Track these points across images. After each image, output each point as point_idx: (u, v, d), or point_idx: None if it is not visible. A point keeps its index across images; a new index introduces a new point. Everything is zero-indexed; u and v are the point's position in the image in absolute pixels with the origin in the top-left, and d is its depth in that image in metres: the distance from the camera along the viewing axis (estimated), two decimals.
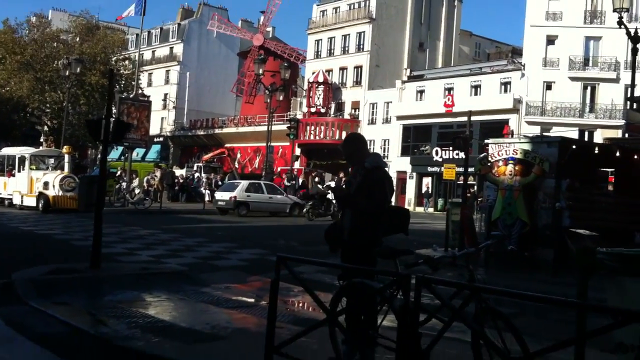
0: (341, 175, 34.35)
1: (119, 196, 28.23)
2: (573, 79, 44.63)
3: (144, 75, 66.71)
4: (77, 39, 54.48)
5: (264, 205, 28.10)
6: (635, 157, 16.21)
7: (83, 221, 18.91)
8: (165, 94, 74.34)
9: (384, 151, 53.25)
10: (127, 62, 55.68)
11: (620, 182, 16.73)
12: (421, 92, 51.55)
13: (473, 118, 46.16)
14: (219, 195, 28.56)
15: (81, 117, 50.63)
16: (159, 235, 17.24)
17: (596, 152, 15.23)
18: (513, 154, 14.65)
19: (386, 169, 5.94)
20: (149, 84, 75.05)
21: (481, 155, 15.43)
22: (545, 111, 44.72)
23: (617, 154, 15.47)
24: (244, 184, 28.42)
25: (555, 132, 34.78)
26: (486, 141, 15.95)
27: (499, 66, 49.45)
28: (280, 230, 21.69)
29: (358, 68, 56.66)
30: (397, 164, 50.94)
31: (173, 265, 11.61)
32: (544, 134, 22.12)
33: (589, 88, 44.79)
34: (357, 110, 55.98)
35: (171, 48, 76.03)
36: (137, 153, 52.27)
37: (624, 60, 44.09)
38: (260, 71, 34.19)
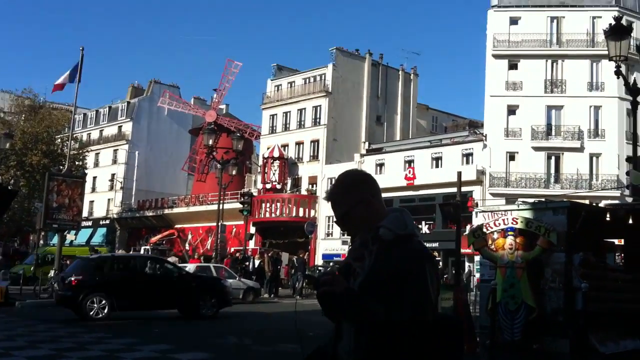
0: (301, 254, 31.23)
1: (45, 286, 24.57)
2: (536, 148, 43.22)
3: (90, 156, 63.62)
4: (19, 118, 51.40)
5: None
6: None
7: None
8: (113, 174, 70.97)
9: None
10: (72, 141, 52.50)
11: (631, 254, 14.28)
12: (381, 165, 49.57)
13: (435, 191, 44.90)
14: None
15: (23, 201, 47.05)
16: (81, 337, 13.84)
17: (607, 219, 12.79)
18: (513, 223, 12.10)
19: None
20: (96, 164, 71.90)
21: (474, 226, 12.86)
22: (510, 182, 42.97)
23: (630, 221, 13.07)
24: (190, 267, 25.18)
25: (489, 208, 32.83)
26: (476, 209, 13.41)
27: (459, 137, 47.99)
28: (231, 321, 18.48)
29: (315, 142, 54.60)
30: None
31: None
32: (548, 199, 20.01)
33: (553, 158, 43.35)
34: (314, 185, 53.59)
35: (119, 127, 73.13)
36: (76, 237, 48.53)
37: (587, 129, 43.06)
38: (210, 142, 31.61)
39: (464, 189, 42.31)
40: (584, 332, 11.26)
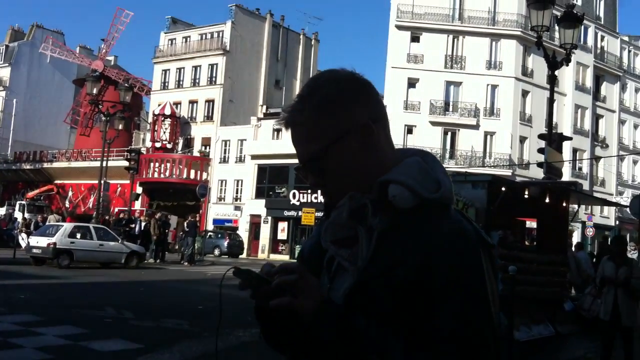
0: (190, 217, 29.35)
1: None
2: (434, 123, 43.32)
3: None
4: None
5: (93, 254, 22.71)
6: (564, 204, 13.34)
7: None
8: None
9: (237, 192, 49.13)
10: None
11: (544, 235, 13.74)
12: (278, 130, 48.01)
13: None
14: (33, 240, 22.74)
15: None
16: None
17: (525, 196, 12.08)
18: None
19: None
20: None
21: None
22: None
23: (547, 199, 12.45)
24: (66, 227, 22.88)
25: None
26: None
27: None
28: (111, 289, 16.68)
29: (210, 102, 52.35)
30: (251, 206, 47.01)
31: None
32: (467, 171, 19.64)
33: (449, 133, 43.64)
34: (207, 147, 51.48)
35: None
36: None
37: (484, 107, 43.55)
38: (95, 91, 28.97)
39: None
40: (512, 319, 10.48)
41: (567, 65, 15.32)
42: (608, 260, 9.16)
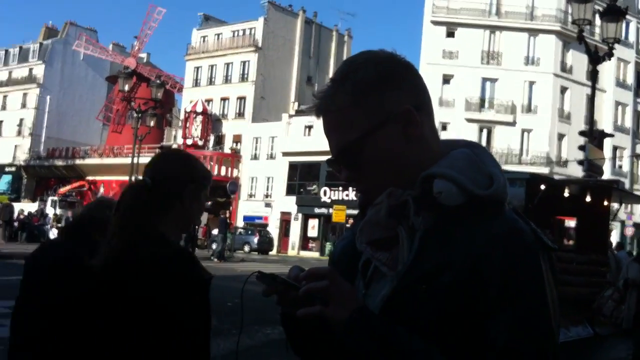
0: (221, 214, 29.08)
1: None
2: (469, 120, 42.46)
3: None
4: None
5: None
6: (605, 202, 12.60)
7: None
8: (21, 119, 66.41)
9: (267, 189, 48.89)
10: None
11: (584, 234, 13.01)
12: (310, 127, 47.67)
13: None
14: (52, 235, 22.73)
15: None
16: None
17: (566, 195, 11.40)
18: None
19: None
20: (3, 107, 67.14)
21: None
22: None
23: (588, 198, 11.75)
24: None
25: None
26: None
27: None
28: None
29: (241, 99, 52.23)
30: (282, 203, 46.75)
31: None
32: (504, 169, 19.01)
33: (485, 130, 42.73)
34: (238, 144, 51.33)
35: (30, 69, 68.06)
36: None
37: (521, 104, 42.54)
38: (127, 87, 28.88)
39: None
40: None
41: (610, 60, 14.56)
42: (633, 261, 8.53)
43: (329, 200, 43.12)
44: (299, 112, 49.60)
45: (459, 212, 1.21)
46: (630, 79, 47.74)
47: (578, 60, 43.03)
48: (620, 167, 46.14)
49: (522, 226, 1.21)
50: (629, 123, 47.21)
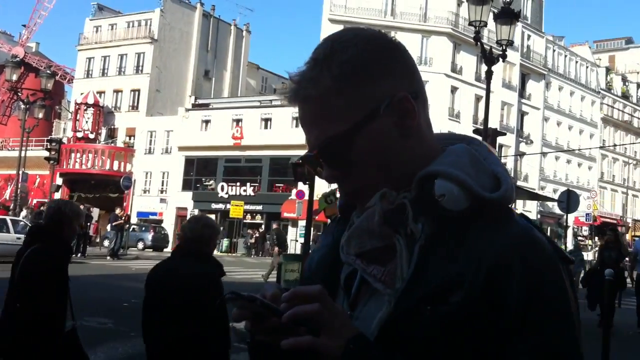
0: (117, 211, 28.19)
1: None
2: None
3: None
4: None
5: (10, 247, 21.32)
6: None
7: None
8: None
9: (163, 185, 47.86)
10: None
11: None
12: (207, 122, 47.11)
13: (262, 153, 43.72)
14: None
15: None
16: None
17: None
18: None
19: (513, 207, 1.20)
20: None
21: (327, 190, 11.38)
22: None
23: None
24: None
25: None
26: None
27: None
28: None
29: (135, 92, 50.78)
30: (178, 199, 45.89)
31: None
32: None
33: None
34: (132, 138, 49.91)
35: None
36: None
37: None
38: (14, 77, 27.46)
39: (293, 152, 41.87)
40: None
41: (504, 61, 15.33)
42: None
43: (226, 196, 42.84)
44: (195, 106, 48.89)
45: (464, 218, 1.03)
46: (516, 81, 50.32)
47: (467, 62, 45.00)
48: (505, 164, 48.43)
49: (539, 235, 1.06)
50: (513, 122, 49.73)
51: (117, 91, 51.70)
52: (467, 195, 1.03)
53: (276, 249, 20.14)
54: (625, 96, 62.90)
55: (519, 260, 0.99)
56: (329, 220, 12.10)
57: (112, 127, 51.02)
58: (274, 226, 23.68)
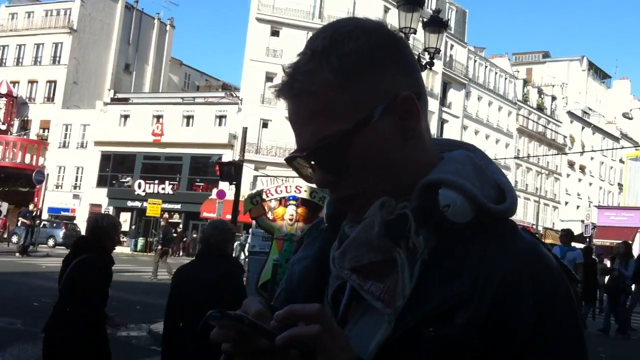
0: (31, 207, 26.95)
1: None
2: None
3: None
4: None
5: None
6: None
7: None
8: None
9: (77, 180, 46.20)
10: None
11: None
12: (126, 117, 45.82)
13: (183, 151, 42.87)
14: None
15: None
16: None
17: None
18: (296, 192, 10.61)
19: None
20: None
21: (253, 191, 11.11)
22: (260, 149, 42.40)
23: None
24: None
25: (270, 172, 31.87)
26: (255, 173, 11.67)
27: (214, 98, 46.23)
28: None
29: (51, 83, 48.88)
30: (92, 195, 44.44)
31: None
32: None
33: None
34: (46, 130, 48.09)
35: None
36: None
37: None
38: None
39: (214, 151, 41.32)
40: None
41: (431, 69, 15.42)
42: None
43: (143, 194, 41.88)
44: (114, 100, 47.50)
45: (467, 231, 0.95)
46: (437, 89, 51.40)
47: None
48: None
49: (546, 252, 0.98)
50: (433, 130, 50.75)
51: (32, 82, 49.72)
52: (472, 206, 0.96)
53: (159, 246, 19.99)
54: (540, 108, 65.24)
55: (528, 278, 0.92)
56: (253, 222, 11.81)
57: (26, 118, 49.07)
58: (162, 224, 23.24)
